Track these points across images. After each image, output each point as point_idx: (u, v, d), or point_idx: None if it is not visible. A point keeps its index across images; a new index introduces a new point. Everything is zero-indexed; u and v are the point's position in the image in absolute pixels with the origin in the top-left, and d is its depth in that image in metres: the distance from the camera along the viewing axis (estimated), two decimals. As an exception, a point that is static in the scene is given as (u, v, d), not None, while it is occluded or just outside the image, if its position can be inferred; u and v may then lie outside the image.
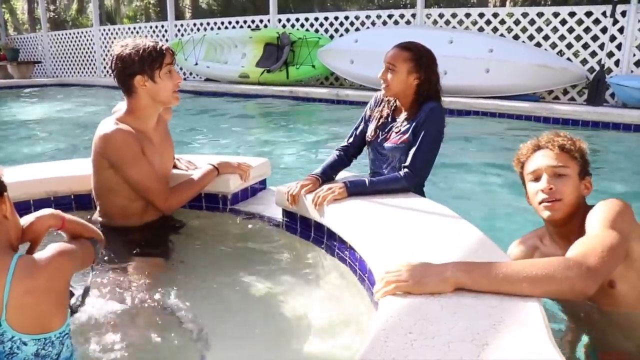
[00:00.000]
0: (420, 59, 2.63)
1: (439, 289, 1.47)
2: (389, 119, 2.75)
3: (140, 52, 2.45)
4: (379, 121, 2.78)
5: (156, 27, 15.04)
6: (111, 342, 1.85)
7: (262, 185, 3.21)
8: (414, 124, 2.60)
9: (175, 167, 2.90)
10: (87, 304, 1.86)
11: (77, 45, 16.92)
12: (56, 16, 26.85)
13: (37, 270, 1.44)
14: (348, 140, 2.88)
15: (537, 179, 1.98)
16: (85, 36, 16.68)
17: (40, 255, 1.49)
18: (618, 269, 1.68)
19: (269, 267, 2.44)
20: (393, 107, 2.77)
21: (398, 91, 2.66)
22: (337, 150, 2.86)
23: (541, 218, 2.00)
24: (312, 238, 2.55)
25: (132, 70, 2.46)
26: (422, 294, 1.46)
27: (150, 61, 2.46)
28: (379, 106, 2.83)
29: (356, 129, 2.90)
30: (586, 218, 1.81)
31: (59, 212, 1.71)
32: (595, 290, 1.47)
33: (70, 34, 17.36)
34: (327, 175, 2.65)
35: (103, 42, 16.03)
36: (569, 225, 1.93)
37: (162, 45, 2.51)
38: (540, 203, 1.95)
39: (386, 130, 2.74)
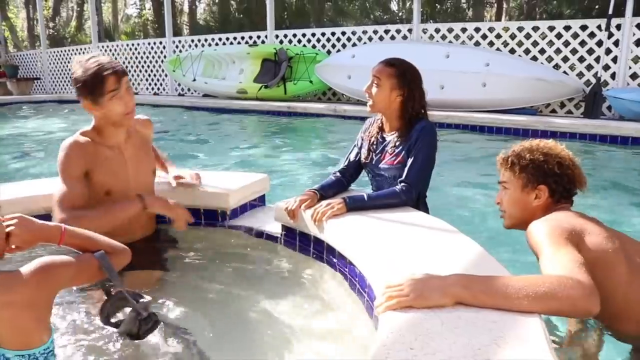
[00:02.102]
0: (403, 75, 2.67)
1: (440, 303, 1.47)
2: (379, 139, 2.79)
3: (84, 76, 2.36)
4: (370, 142, 2.81)
5: (154, 43, 15.13)
6: (101, 357, 1.83)
7: (261, 201, 3.21)
8: (407, 144, 2.64)
9: (180, 178, 2.86)
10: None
11: (76, 61, 16.96)
12: (55, 33, 27.04)
13: (16, 285, 1.43)
14: (343, 164, 2.90)
15: None
16: (84, 53, 16.72)
17: (22, 269, 1.48)
18: None
19: (267, 282, 2.44)
20: (380, 125, 2.81)
21: (382, 106, 2.70)
22: (333, 173, 2.88)
23: None
24: (311, 253, 2.55)
25: (78, 93, 2.41)
26: (423, 308, 1.46)
27: (91, 88, 2.37)
28: (370, 129, 2.87)
29: (350, 153, 2.92)
30: (529, 240, 1.90)
31: (61, 226, 1.70)
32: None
33: (69, 50, 17.45)
34: (325, 191, 2.65)
35: (101, 59, 16.08)
36: None
37: (105, 71, 2.35)
38: None
39: (379, 151, 2.77)
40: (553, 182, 2.08)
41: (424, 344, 1.30)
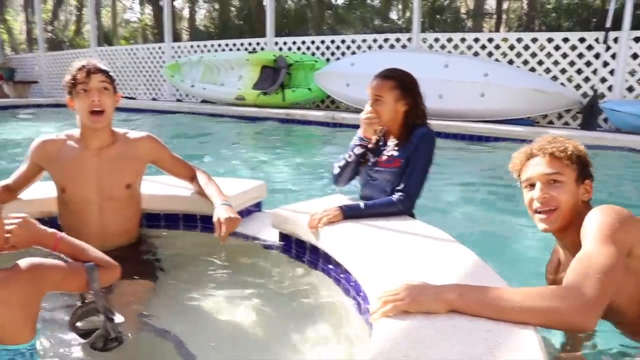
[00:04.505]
0: (404, 84, 2.68)
1: (434, 309, 1.47)
2: (380, 143, 2.78)
3: (70, 70, 2.52)
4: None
5: (153, 48, 15.14)
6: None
7: (258, 207, 3.20)
8: (406, 149, 2.63)
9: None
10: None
11: (75, 65, 16.95)
12: (54, 37, 27.03)
13: (9, 282, 1.47)
14: None
15: (532, 186, 1.91)
16: (82, 57, 16.69)
17: (14, 268, 1.52)
18: None
19: (263, 288, 2.43)
20: (382, 133, 2.80)
21: (388, 119, 2.69)
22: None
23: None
24: (307, 261, 2.55)
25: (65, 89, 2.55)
26: (418, 314, 1.47)
27: (68, 82, 2.51)
28: None
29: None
30: (582, 226, 1.73)
31: (56, 233, 1.71)
32: (596, 324, 1.41)
33: (67, 54, 17.44)
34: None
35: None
36: (570, 233, 1.86)
37: (78, 65, 2.51)
38: (535, 212, 1.90)
39: (376, 154, 2.76)
40: (590, 177, 1.93)
41: (419, 352, 1.30)
